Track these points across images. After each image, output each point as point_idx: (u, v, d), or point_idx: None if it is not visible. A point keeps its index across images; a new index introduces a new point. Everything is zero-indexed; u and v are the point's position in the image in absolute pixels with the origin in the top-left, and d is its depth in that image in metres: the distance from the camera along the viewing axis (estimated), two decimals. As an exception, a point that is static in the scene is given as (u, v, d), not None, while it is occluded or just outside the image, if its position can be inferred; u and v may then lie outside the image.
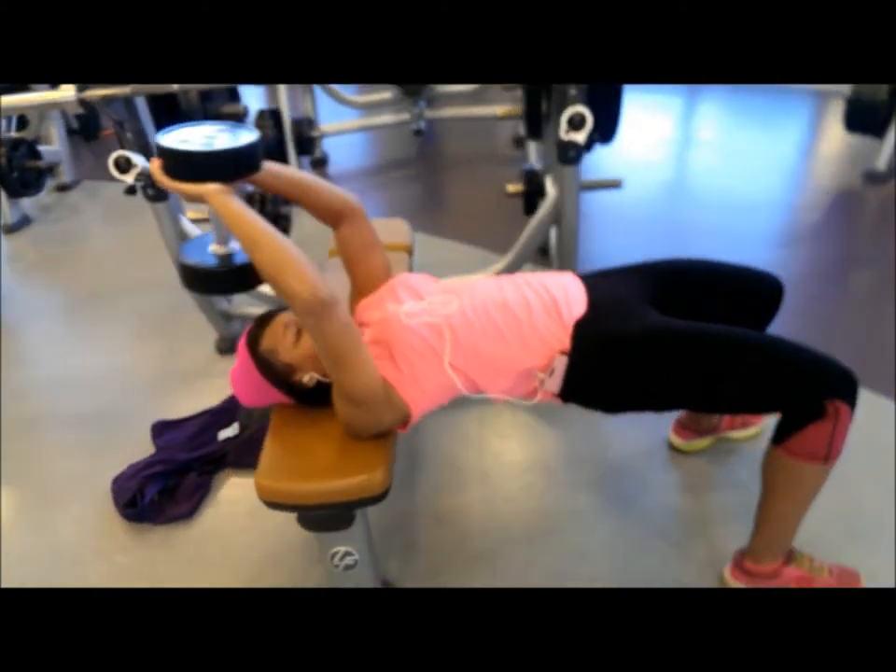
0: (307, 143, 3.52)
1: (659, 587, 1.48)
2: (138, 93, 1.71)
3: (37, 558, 1.71)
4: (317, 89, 3.94)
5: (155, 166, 1.15)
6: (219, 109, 2.19)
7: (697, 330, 1.25)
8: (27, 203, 3.68)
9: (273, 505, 1.27)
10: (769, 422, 1.83)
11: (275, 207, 2.59)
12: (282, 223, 2.66)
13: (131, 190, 1.83)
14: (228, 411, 2.03)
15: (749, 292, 1.47)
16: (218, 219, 1.25)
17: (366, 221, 1.43)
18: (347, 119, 4.25)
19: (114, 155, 1.76)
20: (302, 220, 3.25)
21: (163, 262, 3.05)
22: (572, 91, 1.72)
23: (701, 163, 3.49)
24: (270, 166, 1.28)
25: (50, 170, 3.83)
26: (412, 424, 1.29)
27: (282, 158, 2.97)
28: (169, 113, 1.98)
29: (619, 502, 1.71)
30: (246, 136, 1.16)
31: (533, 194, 2.55)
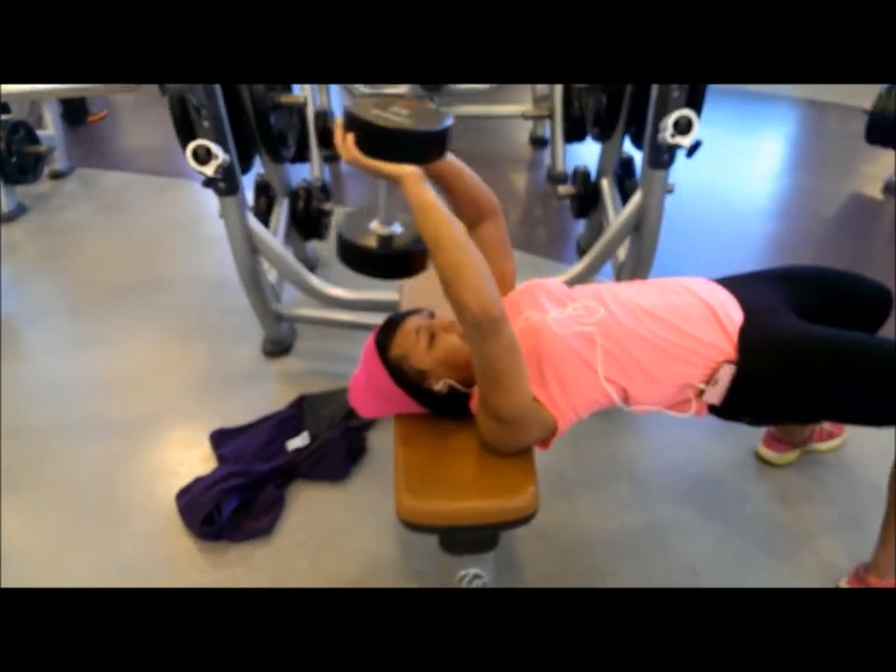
0: (327, 136, 3.38)
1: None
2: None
3: (106, 581, 1.58)
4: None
5: (349, 140, 1.04)
6: (279, 99, 2.08)
7: (859, 339, 1.23)
8: (20, 192, 3.44)
9: (415, 526, 1.19)
10: (849, 434, 1.85)
11: (319, 203, 2.49)
12: (324, 220, 2.55)
13: (209, 183, 1.71)
14: (294, 418, 1.93)
15: (865, 300, 1.46)
16: (389, 198, 1.15)
17: (503, 221, 1.36)
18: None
19: (192, 145, 1.64)
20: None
21: (191, 258, 2.95)
22: (675, 93, 1.68)
23: (701, 164, 3.54)
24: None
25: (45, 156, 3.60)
26: (555, 440, 1.23)
27: (305, 150, 2.84)
28: (230, 102, 1.85)
29: (718, 514, 1.68)
30: (441, 118, 1.07)
31: (586, 197, 2.51)
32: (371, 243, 1.16)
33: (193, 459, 1.88)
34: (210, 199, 1.86)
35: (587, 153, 3.17)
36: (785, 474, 1.78)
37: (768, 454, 1.79)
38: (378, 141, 1.02)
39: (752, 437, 1.84)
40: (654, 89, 1.72)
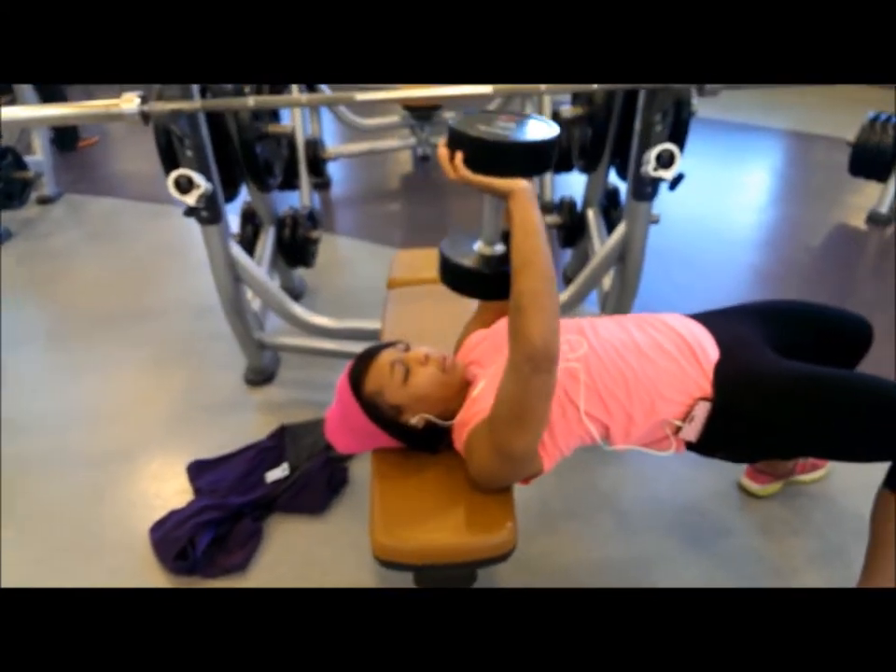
0: (317, 164, 3.41)
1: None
2: (207, 109, 1.60)
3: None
4: (324, 110, 3.86)
5: (458, 159, 1.01)
6: (265, 129, 2.08)
7: (837, 376, 1.22)
8: (5, 217, 3.43)
9: (391, 564, 1.16)
10: (833, 465, 1.83)
11: (306, 231, 2.49)
12: (311, 248, 2.55)
13: (190, 212, 1.70)
14: (275, 449, 1.90)
15: (845, 334, 1.46)
16: (493, 218, 1.13)
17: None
18: (346, 142, 4.18)
19: (175, 174, 1.64)
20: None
21: (178, 285, 2.94)
22: (658, 127, 1.70)
23: (686, 195, 3.57)
24: None
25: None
26: (536, 478, 1.21)
27: (293, 178, 2.85)
28: (216, 130, 1.85)
29: (703, 547, 1.66)
30: (548, 128, 1.04)
31: (572, 227, 2.52)
32: (476, 263, 1.14)
33: (170, 492, 1.85)
34: (198, 225, 1.86)
35: (574, 183, 3.20)
36: (769, 506, 1.76)
37: (751, 485, 1.78)
38: (491, 156, 0.99)
39: (735, 467, 1.83)
40: (637, 122, 1.74)
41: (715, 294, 2.73)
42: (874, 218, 3.24)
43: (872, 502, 1.33)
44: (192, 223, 1.82)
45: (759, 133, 4.52)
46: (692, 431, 1.21)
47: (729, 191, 3.70)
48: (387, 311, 1.78)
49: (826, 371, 1.24)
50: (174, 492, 1.85)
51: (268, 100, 1.65)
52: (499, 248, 1.15)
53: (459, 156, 1.00)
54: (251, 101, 1.61)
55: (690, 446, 1.26)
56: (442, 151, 1.04)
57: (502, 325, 1.35)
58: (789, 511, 1.75)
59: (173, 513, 1.71)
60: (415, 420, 1.22)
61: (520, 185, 1.00)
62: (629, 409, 1.20)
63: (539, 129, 1.03)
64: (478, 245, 1.16)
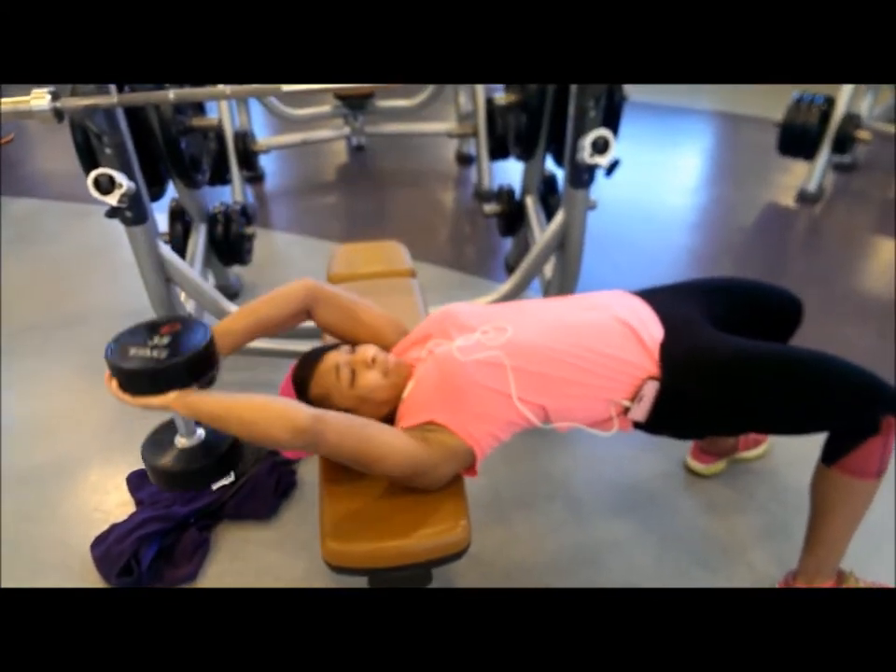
0: (249, 158, 3.30)
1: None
2: (125, 104, 1.51)
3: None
4: (253, 101, 3.74)
5: (113, 386, 1.06)
6: (190, 123, 1.99)
7: (778, 350, 1.25)
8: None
9: (343, 570, 1.14)
10: (773, 440, 1.89)
11: (239, 227, 2.41)
12: (245, 244, 2.47)
13: (113, 213, 1.62)
14: (217, 455, 1.83)
15: (779, 310, 1.49)
16: (182, 419, 1.14)
17: (324, 290, 1.32)
18: (277, 134, 4.06)
19: (94, 173, 1.55)
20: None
21: (102, 291, 2.80)
22: (591, 113, 1.70)
23: (621, 179, 3.62)
24: (221, 332, 1.19)
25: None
26: (478, 466, 1.20)
27: (224, 173, 2.75)
28: (137, 126, 1.76)
29: (652, 529, 1.68)
30: (197, 335, 1.08)
31: (511, 215, 2.52)
32: (182, 459, 1.15)
33: (109, 505, 1.77)
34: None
35: (513, 170, 3.20)
36: (714, 485, 1.80)
37: (696, 465, 1.81)
38: (135, 382, 1.04)
39: (681, 447, 1.86)
40: (571, 109, 1.73)
41: (653, 277, 2.77)
42: (803, 196, 3.35)
43: (810, 474, 1.37)
44: (118, 223, 1.73)
45: (688, 115, 4.61)
46: (640, 411, 1.21)
47: (661, 174, 3.76)
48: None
49: (767, 346, 1.27)
50: (115, 505, 1.76)
51: (188, 93, 1.56)
52: (201, 433, 1.17)
53: (114, 383, 1.06)
54: (171, 94, 1.52)
55: (637, 424, 1.27)
56: (106, 377, 1.07)
57: (424, 326, 1.35)
58: (733, 489, 1.79)
59: (114, 527, 1.63)
60: None
61: (171, 400, 1.03)
62: (565, 388, 1.19)
63: (194, 336, 1.07)
64: (179, 441, 1.16)
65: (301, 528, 1.70)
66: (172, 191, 2.29)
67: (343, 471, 1.24)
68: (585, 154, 1.68)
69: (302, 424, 1.01)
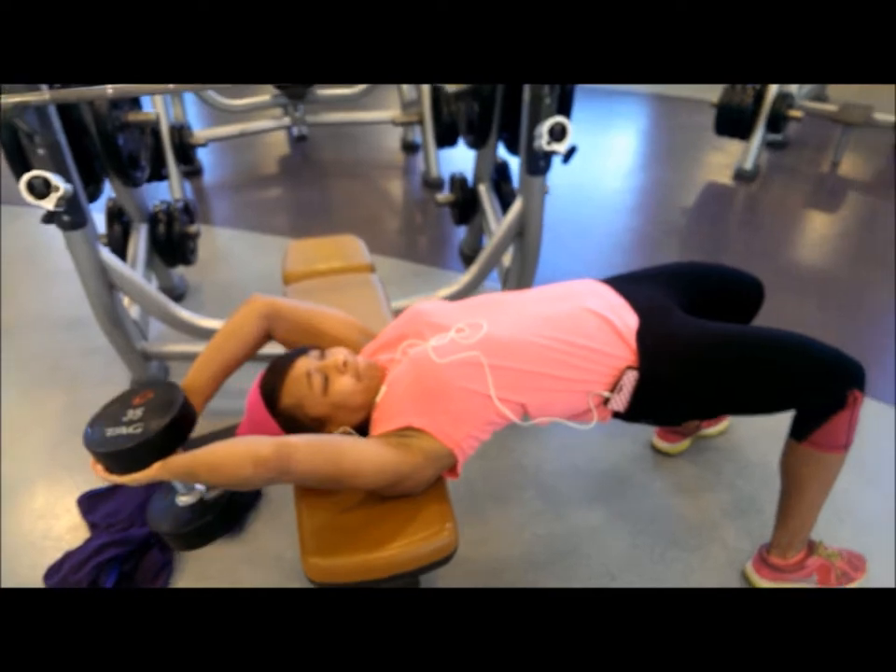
0: (186, 152, 3.16)
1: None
2: (58, 101, 1.40)
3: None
4: (187, 93, 3.58)
5: (99, 469, 1.05)
6: (126, 118, 1.87)
7: (751, 332, 1.27)
8: None
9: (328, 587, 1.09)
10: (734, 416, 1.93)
11: (182, 226, 2.30)
12: (189, 243, 2.36)
13: (50, 218, 1.50)
14: (176, 468, 1.74)
15: (741, 293, 1.52)
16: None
17: (279, 307, 1.29)
18: (214, 125, 3.90)
19: (27, 176, 1.44)
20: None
21: (35, 299, 2.64)
22: (546, 100, 1.68)
23: (566, 168, 3.62)
24: (190, 390, 1.19)
25: None
26: (460, 467, 1.17)
27: (160, 169, 2.62)
28: (69, 123, 1.65)
29: (625, 513, 1.69)
30: (169, 400, 1.08)
31: (465, 204, 2.49)
32: (192, 515, 1.18)
33: (60, 530, 1.66)
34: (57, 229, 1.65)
35: (460, 157, 3.16)
36: (681, 464, 1.83)
37: (663, 445, 1.84)
38: (119, 462, 1.03)
39: (647, 430, 1.88)
40: (526, 96, 1.71)
41: (607, 261, 2.80)
42: (740, 175, 3.43)
43: (774, 449, 1.40)
44: (49, 225, 1.61)
45: (624, 97, 4.66)
46: (620, 401, 1.21)
47: (601, 158, 3.79)
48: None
49: (739, 329, 1.29)
50: (65, 530, 1.66)
51: (129, 88, 1.46)
52: (199, 488, 1.20)
53: (100, 468, 1.05)
54: (110, 89, 1.43)
55: (616, 414, 1.27)
56: (91, 463, 1.06)
57: (395, 326, 1.30)
58: (700, 466, 1.82)
59: (69, 555, 1.54)
60: (338, 432, 1.16)
61: (153, 472, 1.02)
62: (544, 383, 1.17)
63: (167, 402, 1.07)
64: (181, 499, 1.19)
65: (272, 539, 1.64)
66: (108, 191, 2.17)
67: (319, 481, 1.20)
68: (543, 141, 1.66)
69: (265, 453, 0.99)
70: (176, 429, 1.06)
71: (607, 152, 3.87)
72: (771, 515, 1.48)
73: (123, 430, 1.04)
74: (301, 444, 1.02)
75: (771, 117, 3.26)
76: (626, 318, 1.24)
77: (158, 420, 1.04)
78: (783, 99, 3.24)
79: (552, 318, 1.21)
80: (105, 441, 1.02)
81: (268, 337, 1.30)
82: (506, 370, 1.14)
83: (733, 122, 3.36)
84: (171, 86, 1.49)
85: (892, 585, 1.49)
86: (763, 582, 1.49)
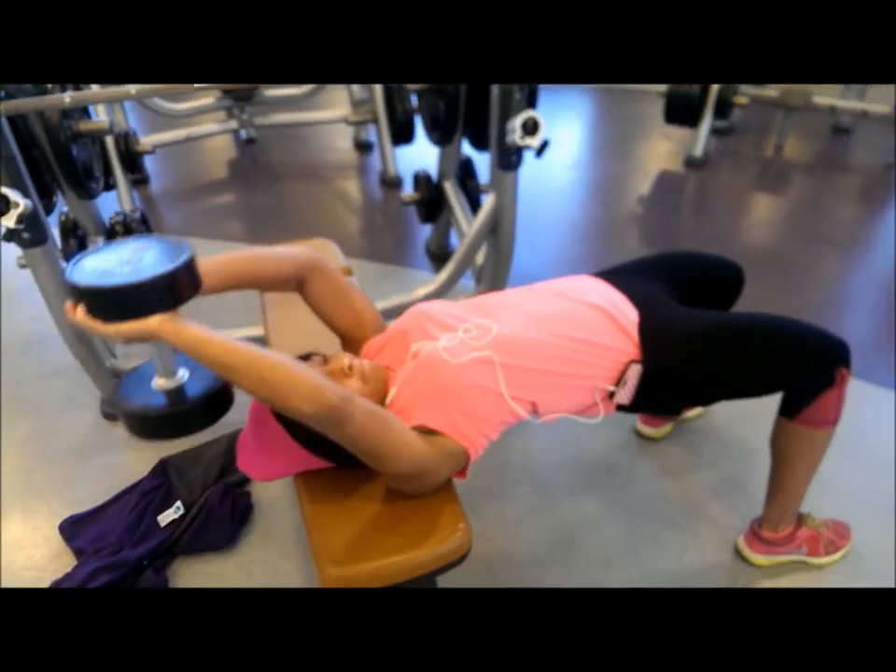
0: (133, 159, 3.04)
1: (690, 580, 1.53)
2: (10, 112, 1.33)
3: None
4: (128, 97, 3.44)
5: (79, 312, 0.90)
6: (78, 127, 1.79)
7: (744, 318, 1.30)
8: None
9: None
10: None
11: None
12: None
13: (10, 236, 1.43)
14: (159, 488, 1.69)
15: (723, 278, 1.56)
16: (161, 348, 1.01)
17: (327, 264, 1.25)
18: (157, 131, 3.78)
19: (-16, 193, 1.36)
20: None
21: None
22: (517, 95, 1.69)
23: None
24: (208, 269, 1.06)
25: None
26: (468, 468, 1.17)
27: (107, 178, 2.52)
28: (17, 134, 1.56)
29: (617, 500, 1.72)
30: (176, 251, 0.94)
31: (432, 201, 2.47)
32: (162, 402, 1.03)
33: (42, 560, 1.59)
34: (2, 246, 1.57)
35: (417, 154, 3.14)
36: (665, 448, 1.87)
37: (647, 430, 1.87)
38: (109, 303, 0.89)
39: (630, 416, 1.91)
40: (495, 92, 1.71)
41: (570, 253, 2.84)
42: (689, 161, 3.52)
43: (751, 428, 1.44)
44: None
45: (568, 90, 4.70)
46: (625, 394, 1.22)
47: (554, 150, 3.82)
48: (267, 316, 1.63)
49: (732, 316, 1.33)
50: (48, 559, 1.59)
51: (88, 95, 1.41)
52: (182, 375, 1.07)
53: (81, 310, 0.90)
54: (67, 98, 1.36)
55: (620, 407, 1.28)
56: (68, 307, 0.92)
57: (399, 325, 1.29)
58: (683, 448, 1.87)
59: (57, 584, 1.47)
60: None
61: (153, 324, 0.90)
62: (554, 380, 1.18)
63: (173, 251, 0.94)
64: (157, 381, 1.06)
65: (268, 552, 1.60)
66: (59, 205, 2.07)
67: (325, 489, 1.18)
68: (516, 136, 1.66)
69: (332, 400, 0.93)
70: (182, 282, 0.92)
71: (557, 144, 3.90)
72: (754, 492, 1.53)
73: (116, 269, 0.89)
74: (364, 407, 0.98)
75: (718, 104, 3.36)
76: (627, 312, 1.25)
77: (161, 265, 0.90)
78: (729, 86, 3.34)
79: (556, 316, 1.22)
80: (90, 277, 0.88)
81: (297, 285, 1.22)
82: (517, 368, 1.15)
83: (681, 110, 3.44)
84: (132, 90, 1.43)
85: (891, 585, 1.54)
86: (755, 556, 1.54)
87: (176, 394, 1.03)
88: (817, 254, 2.76)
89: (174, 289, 0.90)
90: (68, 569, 1.53)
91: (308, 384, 0.93)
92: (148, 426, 1.04)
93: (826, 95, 3.47)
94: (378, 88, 3.08)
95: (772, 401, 1.38)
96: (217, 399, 1.05)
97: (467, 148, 2.38)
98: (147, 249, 0.94)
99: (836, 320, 2.35)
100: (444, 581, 1.52)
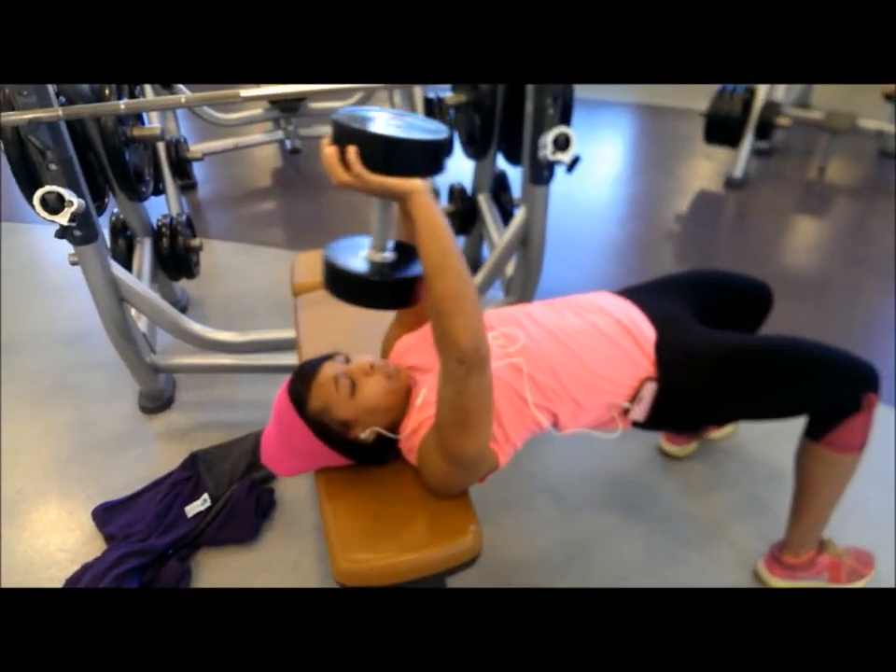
0: (182, 166, 3.17)
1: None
2: (71, 117, 1.41)
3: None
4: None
5: (352, 156, 0.91)
6: (131, 133, 1.88)
7: (767, 341, 1.30)
8: None
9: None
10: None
11: (185, 240, 2.31)
12: (192, 257, 2.37)
13: (63, 233, 1.51)
14: (188, 480, 1.75)
15: (751, 298, 1.55)
16: (385, 222, 1.05)
17: None
18: (205, 139, 3.91)
19: (41, 192, 1.45)
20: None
21: (34, 315, 2.64)
22: (550, 111, 1.72)
23: (558, 179, 3.64)
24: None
25: None
26: (491, 474, 1.20)
27: (157, 183, 2.63)
28: (74, 138, 1.65)
29: (636, 516, 1.72)
30: (434, 126, 0.98)
31: (466, 214, 2.52)
32: (369, 271, 1.05)
33: (75, 543, 1.66)
34: (54, 244, 1.65)
35: (453, 167, 3.18)
36: (689, 466, 1.86)
37: (671, 448, 1.87)
38: (390, 155, 0.91)
39: (654, 434, 1.91)
40: (529, 106, 1.74)
41: (603, 269, 2.84)
42: (730, 182, 3.49)
43: (777, 448, 1.42)
44: (42, 241, 1.62)
45: (612, 108, 4.72)
46: (640, 411, 1.24)
47: (593, 167, 3.84)
48: (300, 318, 1.69)
49: (755, 338, 1.33)
50: (81, 543, 1.66)
51: (141, 103, 1.48)
52: (389, 255, 1.09)
53: (354, 153, 0.91)
54: (122, 105, 1.44)
55: (635, 423, 1.30)
56: (330, 151, 0.94)
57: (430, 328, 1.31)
58: (706, 467, 1.85)
59: (87, 567, 1.54)
60: (366, 434, 1.16)
61: (418, 185, 0.95)
62: (575, 394, 1.20)
63: (427, 126, 0.98)
64: (367, 253, 1.08)
65: (288, 549, 1.65)
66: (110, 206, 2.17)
67: (344, 486, 1.22)
68: (547, 151, 1.69)
69: (483, 350, 0.96)
70: (441, 155, 0.97)
71: (597, 162, 3.92)
72: (777, 514, 1.51)
73: (393, 128, 0.93)
74: (490, 375, 1.01)
75: (759, 124, 3.33)
76: (645, 330, 1.27)
77: (434, 133, 0.94)
78: (771, 107, 3.31)
79: (577, 332, 1.24)
80: (376, 127, 0.91)
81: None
82: (540, 381, 1.18)
83: (722, 130, 3.42)
84: (182, 99, 1.50)
85: (893, 584, 1.52)
86: (775, 581, 1.52)
87: (380, 267, 1.06)
88: (858, 278, 2.71)
89: (439, 158, 0.94)
90: (98, 554, 1.60)
91: (481, 325, 0.96)
92: (344, 284, 1.06)
93: (872, 118, 3.42)
94: (419, 101, 3.14)
95: (801, 423, 1.37)
96: (409, 288, 1.06)
97: (502, 163, 2.42)
98: (406, 117, 0.98)
99: (874, 346, 2.30)
100: (455, 586, 1.55)
